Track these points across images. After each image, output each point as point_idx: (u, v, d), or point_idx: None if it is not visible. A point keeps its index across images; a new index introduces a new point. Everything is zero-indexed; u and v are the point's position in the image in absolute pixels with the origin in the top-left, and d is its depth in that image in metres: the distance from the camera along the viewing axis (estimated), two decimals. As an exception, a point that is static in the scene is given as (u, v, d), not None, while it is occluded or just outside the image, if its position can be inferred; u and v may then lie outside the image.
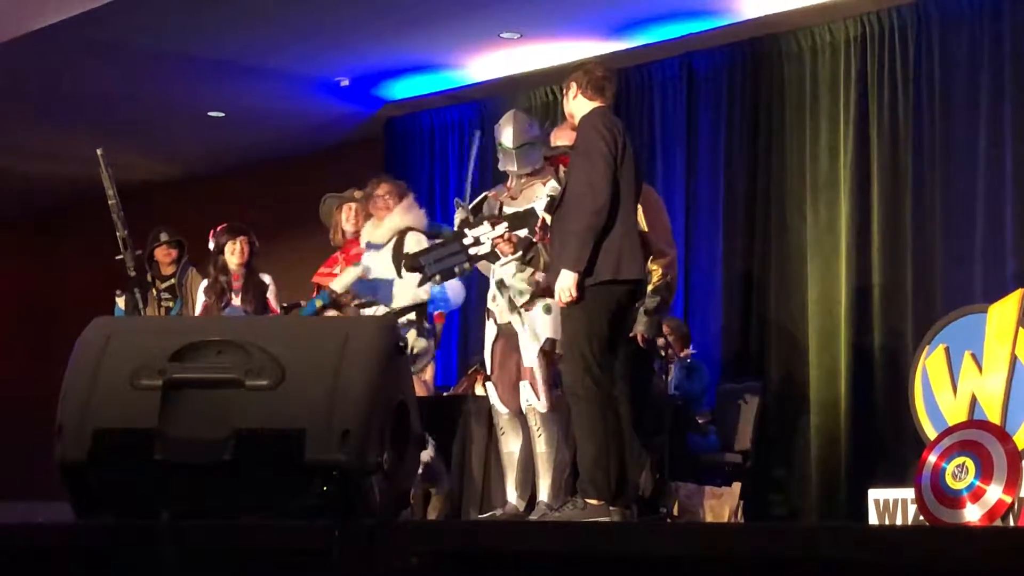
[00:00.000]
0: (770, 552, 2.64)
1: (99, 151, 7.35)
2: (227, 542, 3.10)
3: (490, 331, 5.96)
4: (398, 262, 6.25)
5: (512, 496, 5.98)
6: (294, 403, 3.19)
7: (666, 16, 8.43)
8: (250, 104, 10.18)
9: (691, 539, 2.79)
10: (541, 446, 5.84)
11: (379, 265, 6.34)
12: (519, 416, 5.94)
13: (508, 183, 6.09)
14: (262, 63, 9.33)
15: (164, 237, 7.97)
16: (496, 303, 5.93)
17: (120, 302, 7.45)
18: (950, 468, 6.23)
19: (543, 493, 5.84)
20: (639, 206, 5.46)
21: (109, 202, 7.27)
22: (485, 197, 6.18)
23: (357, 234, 6.88)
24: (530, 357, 5.81)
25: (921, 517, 6.22)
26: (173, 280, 7.95)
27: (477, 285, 9.32)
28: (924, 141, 7.73)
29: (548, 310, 5.79)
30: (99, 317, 3.42)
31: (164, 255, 7.98)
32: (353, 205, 6.93)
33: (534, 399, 5.79)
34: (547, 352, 5.80)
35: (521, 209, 5.74)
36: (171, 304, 7.77)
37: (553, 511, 5.29)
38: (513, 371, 5.91)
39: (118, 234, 7.38)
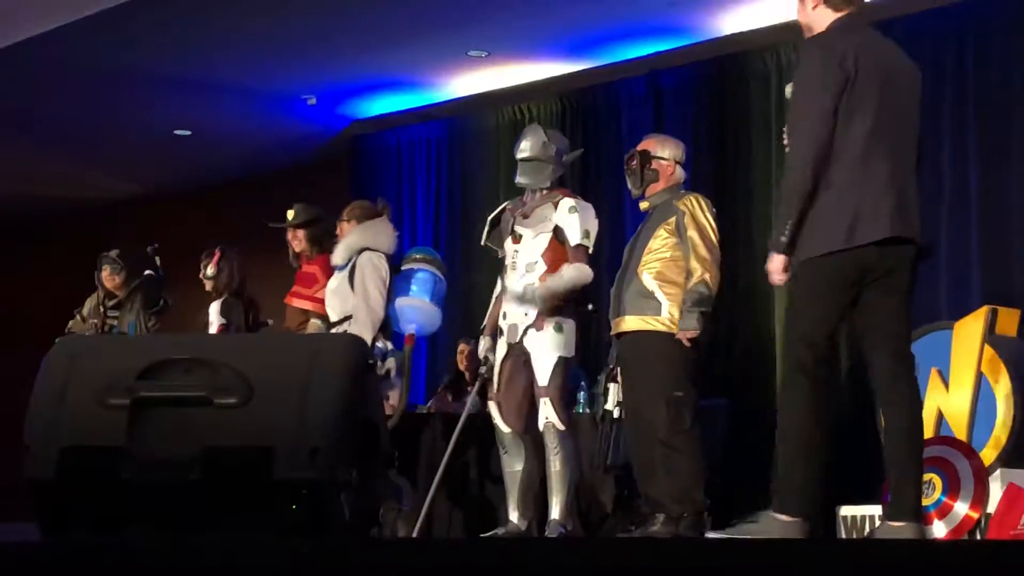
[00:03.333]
0: (737, 567, 2.64)
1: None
2: (196, 561, 3.08)
3: (500, 350, 5.99)
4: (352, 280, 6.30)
5: (514, 516, 5.99)
6: (263, 421, 3.19)
7: (633, 34, 8.46)
8: (216, 122, 10.17)
9: (657, 555, 2.79)
10: (556, 464, 5.88)
11: (341, 285, 6.36)
12: (522, 435, 5.97)
13: (524, 197, 6.14)
14: (228, 81, 9.32)
15: (105, 263, 8.12)
16: (506, 321, 5.97)
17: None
18: (917, 484, 6.26)
19: (555, 511, 5.86)
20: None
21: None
22: (504, 208, 6.24)
23: (301, 254, 6.94)
24: (544, 376, 5.86)
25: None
26: (120, 297, 7.99)
27: (447, 305, 9.32)
28: (889, 159, 7.77)
29: (559, 328, 5.86)
30: (67, 335, 3.40)
31: (108, 278, 8.08)
32: (296, 230, 7.01)
33: (554, 416, 5.83)
34: (561, 370, 5.85)
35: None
36: (115, 322, 7.79)
37: (742, 525, 4.59)
38: (519, 391, 5.95)
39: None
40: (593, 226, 5.99)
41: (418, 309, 6.18)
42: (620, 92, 9.10)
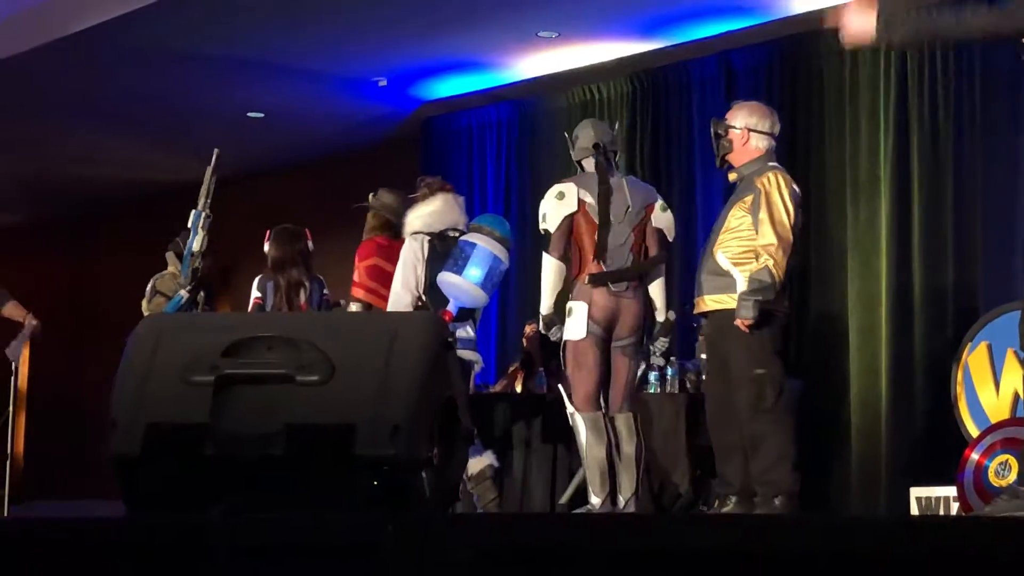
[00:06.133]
0: (808, 545, 2.64)
1: (216, 151, 7.06)
2: (278, 536, 3.12)
3: None
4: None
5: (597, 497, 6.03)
6: (344, 398, 3.21)
7: (704, 14, 8.43)
8: (289, 105, 10.24)
9: (729, 532, 2.79)
10: (580, 445, 5.92)
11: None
12: (605, 418, 5.99)
13: None
14: (301, 64, 9.38)
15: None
16: None
17: (178, 295, 7.48)
18: (993, 466, 6.21)
19: (589, 492, 5.89)
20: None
21: (206, 199, 7.07)
22: None
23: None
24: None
25: (964, 514, 6.19)
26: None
27: (516, 282, 9.35)
28: (964, 138, 7.70)
29: (569, 312, 5.91)
30: (151, 314, 3.45)
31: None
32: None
33: (567, 400, 5.91)
34: (571, 353, 5.89)
35: None
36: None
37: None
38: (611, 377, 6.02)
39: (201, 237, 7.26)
40: (548, 207, 6.00)
41: (458, 287, 6.18)
42: (691, 72, 9.07)
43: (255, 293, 7.45)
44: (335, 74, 9.59)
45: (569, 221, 5.95)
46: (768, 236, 5.57)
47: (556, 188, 6.04)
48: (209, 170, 6.84)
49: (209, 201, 6.91)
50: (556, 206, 5.97)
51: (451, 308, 6.20)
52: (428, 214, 6.49)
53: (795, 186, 5.78)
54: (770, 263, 5.55)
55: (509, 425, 7.20)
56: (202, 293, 7.12)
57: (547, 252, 6.00)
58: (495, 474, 6.58)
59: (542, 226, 6.01)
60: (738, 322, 5.58)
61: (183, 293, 7.02)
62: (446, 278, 6.12)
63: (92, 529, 3.52)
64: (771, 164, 5.81)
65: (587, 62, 9.30)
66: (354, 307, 6.74)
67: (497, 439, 7.07)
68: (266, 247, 7.62)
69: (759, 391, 5.53)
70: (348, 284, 7.59)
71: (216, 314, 7.12)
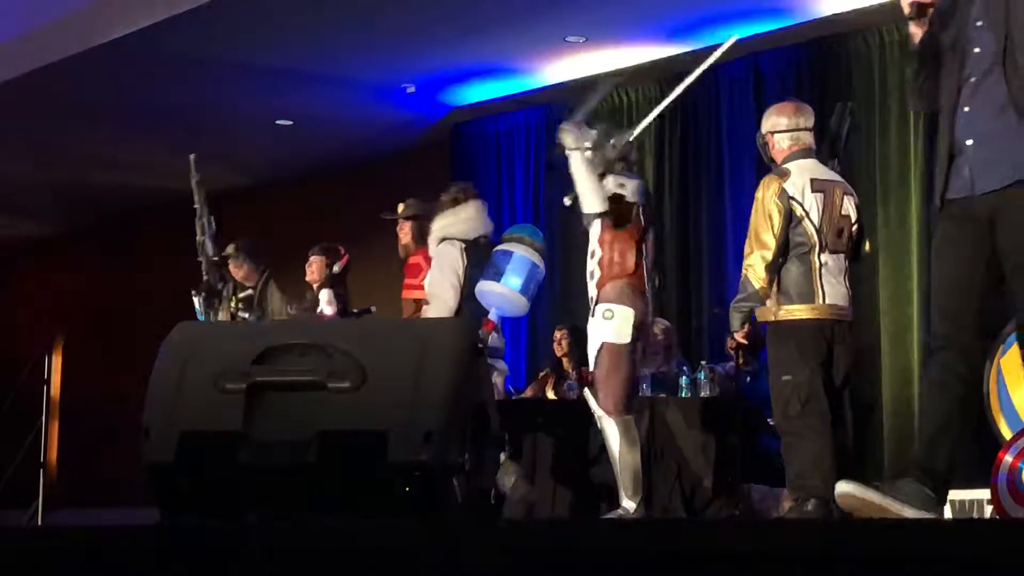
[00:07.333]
0: (840, 549, 2.63)
1: (192, 157, 7.25)
2: (312, 543, 3.13)
3: None
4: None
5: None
6: (376, 404, 3.22)
7: (732, 17, 8.42)
8: (318, 112, 10.27)
9: (759, 535, 2.79)
10: (610, 449, 5.90)
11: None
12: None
13: None
14: (329, 71, 9.41)
15: (230, 251, 7.99)
16: None
17: (196, 301, 7.51)
18: (1027, 468, 6.18)
19: (621, 496, 5.86)
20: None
21: (194, 206, 7.21)
22: None
23: (407, 246, 6.97)
24: (591, 361, 5.89)
25: (997, 517, 6.16)
26: (252, 292, 7.97)
27: (546, 288, 9.34)
28: (995, 138, 7.67)
29: (610, 315, 5.83)
30: (183, 322, 3.47)
31: (235, 268, 8.03)
32: (404, 222, 7.06)
33: (593, 403, 5.85)
34: (607, 357, 5.85)
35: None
36: (246, 316, 7.80)
37: None
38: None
39: (197, 239, 7.39)
40: (626, 188, 5.92)
41: (500, 295, 6.15)
42: (719, 75, 9.05)
43: (334, 306, 7.55)
44: (363, 81, 9.62)
45: (629, 211, 5.91)
46: (747, 245, 5.57)
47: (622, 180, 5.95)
48: (191, 175, 6.95)
49: (199, 207, 7.02)
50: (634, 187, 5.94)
51: (492, 317, 6.17)
52: (463, 221, 6.46)
53: (794, 185, 5.61)
54: (749, 273, 5.52)
55: (539, 430, 7.19)
56: (213, 297, 7.17)
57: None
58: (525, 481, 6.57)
59: (620, 191, 5.87)
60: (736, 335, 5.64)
61: (196, 301, 7.11)
62: (487, 287, 6.09)
63: (127, 536, 3.53)
64: (782, 167, 5.68)
65: (615, 66, 9.30)
66: (433, 311, 6.65)
67: (527, 444, 7.07)
68: (339, 266, 7.71)
69: (787, 398, 5.53)
70: (375, 290, 7.62)
71: (248, 322, 7.15)
